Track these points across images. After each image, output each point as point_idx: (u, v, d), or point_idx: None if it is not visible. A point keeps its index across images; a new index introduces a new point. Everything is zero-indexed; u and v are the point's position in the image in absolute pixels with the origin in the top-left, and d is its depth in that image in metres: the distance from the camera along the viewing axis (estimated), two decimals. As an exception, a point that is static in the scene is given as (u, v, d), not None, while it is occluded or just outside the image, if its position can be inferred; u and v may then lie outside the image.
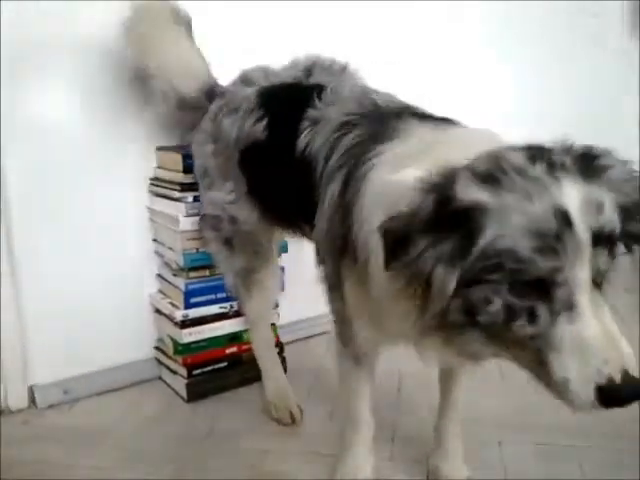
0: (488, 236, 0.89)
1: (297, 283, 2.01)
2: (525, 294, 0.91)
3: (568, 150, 0.97)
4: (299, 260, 2.00)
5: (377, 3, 2.39)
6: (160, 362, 2.07)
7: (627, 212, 0.96)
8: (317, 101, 1.52)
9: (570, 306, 0.90)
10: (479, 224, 0.90)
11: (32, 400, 1.92)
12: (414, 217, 0.92)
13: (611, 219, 0.92)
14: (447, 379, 1.54)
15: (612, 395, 0.89)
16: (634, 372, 0.89)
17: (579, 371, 0.89)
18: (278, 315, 2.07)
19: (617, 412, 1.77)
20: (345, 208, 1.24)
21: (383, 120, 1.34)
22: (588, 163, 0.95)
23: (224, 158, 1.73)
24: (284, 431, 1.78)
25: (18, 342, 1.88)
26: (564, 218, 0.88)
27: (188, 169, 1.88)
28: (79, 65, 1.88)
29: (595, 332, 0.89)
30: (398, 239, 0.94)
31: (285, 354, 2.09)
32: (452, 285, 0.92)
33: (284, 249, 2.04)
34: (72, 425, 1.84)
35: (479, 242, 0.89)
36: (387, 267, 0.97)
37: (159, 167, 2.01)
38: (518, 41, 2.84)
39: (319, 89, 1.55)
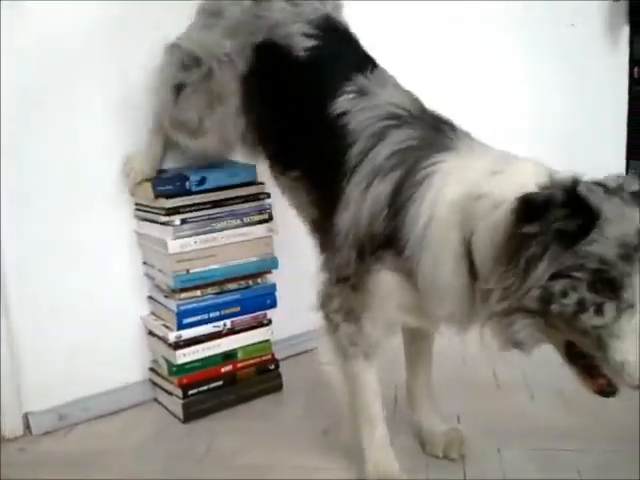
0: (589, 239, 1.10)
1: (290, 298, 2.02)
2: (598, 292, 1.11)
3: (623, 185, 1.18)
4: (291, 275, 2.02)
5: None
6: (155, 384, 2.06)
7: None
8: (369, 72, 1.54)
9: (632, 305, 1.12)
10: (591, 225, 1.10)
11: (27, 427, 1.90)
12: (550, 197, 1.10)
13: None
14: (416, 343, 1.68)
15: None
16: None
17: (635, 356, 1.11)
18: (272, 331, 2.07)
19: (613, 415, 1.80)
20: (396, 209, 1.33)
21: (436, 127, 1.42)
22: (628, 189, 1.18)
23: (248, 24, 1.68)
24: (281, 448, 1.77)
25: (11, 369, 1.86)
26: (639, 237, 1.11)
27: (160, 195, 1.89)
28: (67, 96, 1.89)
29: None
30: (539, 205, 1.10)
31: (280, 370, 2.09)
32: (550, 271, 1.11)
33: (275, 265, 2.04)
34: (69, 450, 1.82)
35: (582, 240, 1.10)
36: (519, 227, 1.12)
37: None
38: (494, 51, 2.87)
39: (373, 63, 1.59)
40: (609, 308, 1.12)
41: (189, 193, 1.91)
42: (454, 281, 1.28)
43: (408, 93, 1.53)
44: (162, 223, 1.90)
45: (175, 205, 1.88)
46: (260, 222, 2.00)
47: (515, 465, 1.65)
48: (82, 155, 1.92)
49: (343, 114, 1.47)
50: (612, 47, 3.48)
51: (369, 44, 2.24)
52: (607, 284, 1.11)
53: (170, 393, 1.98)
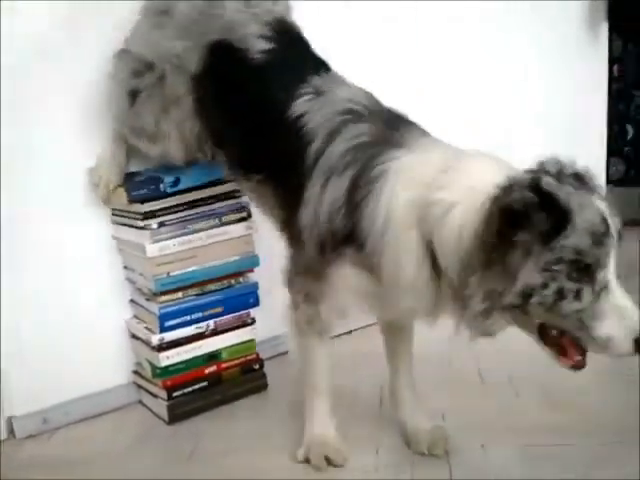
0: (564, 235, 1.16)
1: (273, 296, 2.01)
2: (575, 279, 1.18)
3: (563, 169, 1.26)
4: (273, 272, 2.00)
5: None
6: (139, 386, 2.05)
7: None
8: (324, 72, 1.58)
9: (606, 285, 1.20)
10: (565, 221, 1.16)
11: (11, 431, 1.89)
12: (527, 202, 1.16)
13: (620, 222, 1.24)
14: (394, 339, 1.74)
15: None
16: None
17: (619, 330, 1.20)
18: (256, 330, 2.06)
19: (597, 411, 1.82)
20: (353, 206, 1.38)
21: (390, 122, 1.46)
22: (591, 182, 1.27)
23: (199, 23, 1.67)
24: (267, 448, 1.77)
25: (-6, 374, 1.84)
26: (606, 224, 1.19)
27: (134, 199, 1.87)
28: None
29: (625, 301, 1.21)
30: (520, 215, 1.16)
31: (265, 370, 2.09)
32: (536, 270, 1.17)
33: (256, 263, 2.04)
34: (53, 454, 1.81)
35: (559, 236, 1.16)
36: (510, 236, 1.18)
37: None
38: (473, 50, 2.88)
39: (326, 65, 1.63)
40: (586, 292, 1.20)
41: (164, 195, 1.89)
42: (417, 277, 1.35)
43: (363, 90, 1.57)
44: (139, 227, 1.88)
45: (151, 209, 1.87)
46: (239, 220, 1.99)
47: (500, 462, 1.65)
48: (60, 159, 1.91)
49: (302, 115, 1.51)
50: (591, 44, 3.50)
51: (364, 43, 2.27)
52: (583, 271, 1.18)
53: (155, 395, 1.97)
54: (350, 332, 2.46)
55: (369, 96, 1.55)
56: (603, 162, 3.52)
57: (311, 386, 1.66)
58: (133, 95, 1.76)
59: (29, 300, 1.89)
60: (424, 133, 1.47)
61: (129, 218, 1.92)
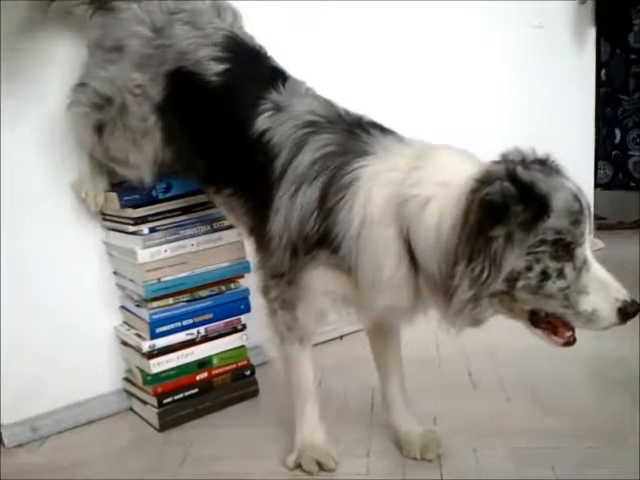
0: (544, 219, 1.21)
1: (263, 304, 2.01)
2: (557, 258, 1.23)
3: (526, 157, 1.33)
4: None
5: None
6: (130, 393, 2.04)
7: None
8: (281, 86, 1.60)
9: (585, 260, 1.25)
10: (545, 207, 1.21)
11: (0, 440, 1.88)
12: (505, 194, 1.21)
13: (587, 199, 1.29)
14: (381, 342, 1.75)
15: (626, 312, 1.24)
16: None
17: (604, 302, 1.24)
18: (246, 337, 2.06)
19: (587, 414, 1.83)
20: (326, 212, 1.41)
21: (352, 131, 1.48)
22: (552, 165, 1.34)
23: (154, 56, 1.67)
24: (258, 454, 1.77)
25: (-19, 382, 1.83)
26: (579, 201, 1.25)
27: (126, 205, 1.87)
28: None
29: (604, 274, 1.27)
30: (499, 208, 1.21)
31: (256, 376, 2.08)
32: (520, 256, 1.22)
33: (247, 269, 2.02)
34: (43, 463, 1.79)
35: (541, 221, 1.21)
36: (487, 231, 1.21)
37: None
38: (462, 52, 2.89)
39: (283, 76, 1.64)
40: (568, 270, 1.25)
41: (156, 201, 1.89)
42: (395, 274, 1.38)
43: (321, 99, 1.60)
44: (130, 233, 1.88)
45: (142, 214, 1.87)
46: (230, 227, 1.98)
47: (491, 465, 1.65)
48: (49, 165, 1.90)
49: (265, 131, 1.55)
50: (579, 49, 3.53)
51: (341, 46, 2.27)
52: (564, 249, 1.23)
53: (145, 402, 1.96)
54: (341, 337, 2.47)
55: (327, 105, 1.57)
56: (591, 166, 3.54)
57: (299, 392, 1.67)
58: (99, 129, 1.77)
59: (16, 306, 1.87)
60: (388, 133, 1.49)
61: (120, 223, 1.92)
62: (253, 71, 1.66)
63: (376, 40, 2.57)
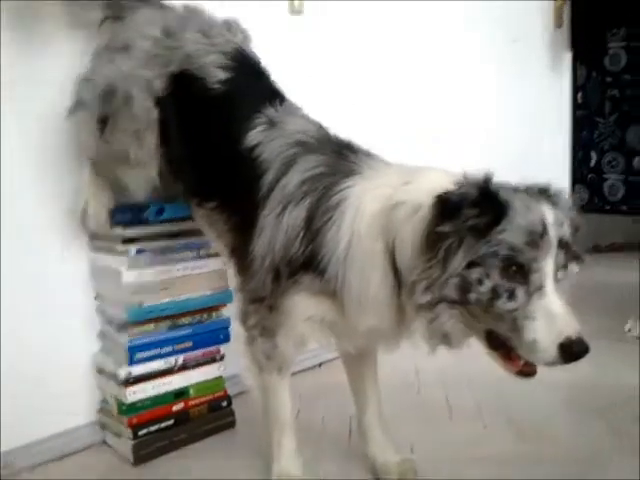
0: (500, 227, 1.20)
1: (241, 332, 2.00)
2: (509, 278, 1.21)
3: (533, 186, 1.32)
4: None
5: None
6: (104, 425, 2.00)
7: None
8: (278, 104, 1.62)
9: (540, 288, 1.22)
10: (501, 217, 1.21)
11: (-29, 476, 1.84)
12: (465, 196, 1.22)
13: (567, 232, 1.27)
14: (358, 372, 1.75)
15: (569, 350, 1.19)
16: (582, 335, 1.20)
17: (545, 333, 1.20)
18: (224, 367, 2.05)
19: (564, 440, 1.83)
20: (313, 234, 1.41)
21: (341, 153, 1.50)
22: (547, 193, 1.31)
23: (161, 56, 1.69)
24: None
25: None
26: (545, 226, 1.22)
27: (117, 223, 1.86)
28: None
29: (557, 307, 1.22)
30: (452, 206, 1.21)
31: (233, 407, 2.07)
32: (466, 259, 1.20)
33: (229, 299, 2.02)
34: (14, 499, 1.76)
35: (493, 230, 1.20)
36: (437, 225, 1.22)
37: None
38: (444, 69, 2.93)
39: (282, 97, 1.67)
40: (520, 292, 1.22)
41: (147, 223, 1.89)
42: (381, 291, 1.37)
43: (313, 122, 1.62)
44: (117, 252, 1.87)
45: (132, 234, 1.86)
46: (216, 255, 1.98)
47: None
48: (31, 186, 1.88)
49: (256, 146, 1.55)
50: (555, 72, 3.58)
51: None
52: (517, 269, 1.21)
53: (119, 434, 1.93)
54: (320, 365, 2.47)
55: (318, 127, 1.60)
56: (567, 189, 3.58)
57: (276, 423, 1.65)
58: (102, 122, 1.75)
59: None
60: (374, 158, 1.51)
61: (108, 242, 1.91)
62: (254, 86, 1.68)
63: (356, 60, 2.60)
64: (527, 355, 1.25)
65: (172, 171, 1.77)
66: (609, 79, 3.99)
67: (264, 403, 1.66)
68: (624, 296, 3.04)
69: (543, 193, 1.31)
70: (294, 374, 1.70)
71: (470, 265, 1.22)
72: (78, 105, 1.78)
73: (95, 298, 2.01)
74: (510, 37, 3.23)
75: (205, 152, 1.67)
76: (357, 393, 1.77)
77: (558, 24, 3.50)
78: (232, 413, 2.06)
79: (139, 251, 1.87)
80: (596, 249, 3.80)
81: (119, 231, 1.86)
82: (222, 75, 1.65)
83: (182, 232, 1.95)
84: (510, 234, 1.21)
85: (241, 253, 1.59)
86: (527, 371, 1.30)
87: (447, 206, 1.22)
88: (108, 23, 1.79)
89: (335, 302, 1.43)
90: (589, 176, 4.06)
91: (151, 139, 1.73)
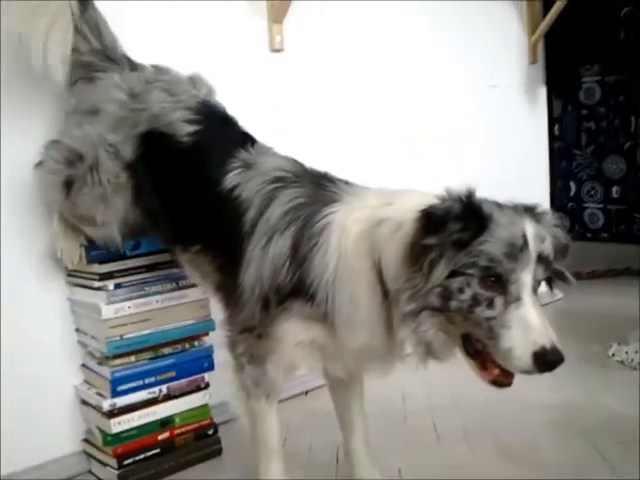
0: (481, 239, 1.24)
1: (228, 360, 1.99)
2: (488, 287, 1.25)
3: (520, 205, 1.35)
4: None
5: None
6: (89, 455, 1.99)
7: (555, 253, 1.33)
8: (250, 146, 1.66)
9: (518, 298, 1.25)
10: (482, 229, 1.25)
11: (-45, 509, 1.82)
12: (448, 210, 1.26)
13: (548, 248, 1.30)
14: (345, 402, 1.76)
15: (543, 359, 1.22)
16: (558, 345, 1.23)
17: (521, 342, 1.23)
18: (209, 395, 2.05)
19: (548, 462, 1.84)
20: (299, 261, 1.43)
21: (319, 183, 1.54)
22: (533, 212, 1.34)
23: (128, 119, 1.73)
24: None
25: None
26: (525, 240, 1.26)
27: (93, 260, 1.88)
28: None
29: (534, 317, 1.25)
30: (437, 220, 1.25)
31: (219, 434, 2.06)
32: (448, 270, 1.24)
33: (211, 327, 2.03)
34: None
35: (474, 242, 1.24)
36: (422, 238, 1.25)
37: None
38: (420, 112, 2.98)
39: (252, 139, 1.71)
40: (498, 302, 1.25)
41: (123, 257, 1.90)
42: (370, 309, 1.39)
43: (288, 158, 1.66)
44: (95, 288, 1.87)
45: (108, 270, 1.87)
46: (195, 285, 1.98)
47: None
48: (10, 218, 1.90)
49: (234, 187, 1.59)
50: (531, 106, 3.66)
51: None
52: (495, 280, 1.25)
53: (105, 464, 1.92)
54: (306, 393, 2.46)
55: (293, 162, 1.64)
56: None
57: (263, 449, 1.64)
58: (68, 185, 1.78)
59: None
60: (353, 186, 1.54)
61: (85, 279, 1.92)
62: (223, 133, 1.72)
63: (336, 102, 2.65)
64: (503, 362, 1.27)
65: (150, 224, 1.81)
66: (584, 112, 4.09)
67: (252, 429, 1.65)
68: (606, 322, 3.07)
69: (529, 211, 1.34)
70: (280, 402, 1.68)
71: (452, 274, 1.25)
72: (45, 161, 1.81)
73: (76, 330, 2.01)
74: (488, 78, 3.32)
75: (183, 201, 1.70)
76: (343, 419, 1.78)
77: (533, 60, 3.59)
78: (218, 441, 2.06)
79: (117, 286, 1.88)
80: (578, 276, 3.84)
81: (96, 267, 1.87)
82: (190, 128, 1.68)
83: (159, 264, 1.96)
84: (490, 245, 1.24)
85: (228, 288, 1.61)
86: (501, 381, 1.32)
87: (432, 220, 1.26)
88: (79, 84, 1.83)
89: (325, 325, 1.44)
90: (569, 205, 4.14)
91: (120, 202, 1.77)
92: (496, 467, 1.87)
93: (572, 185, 4.14)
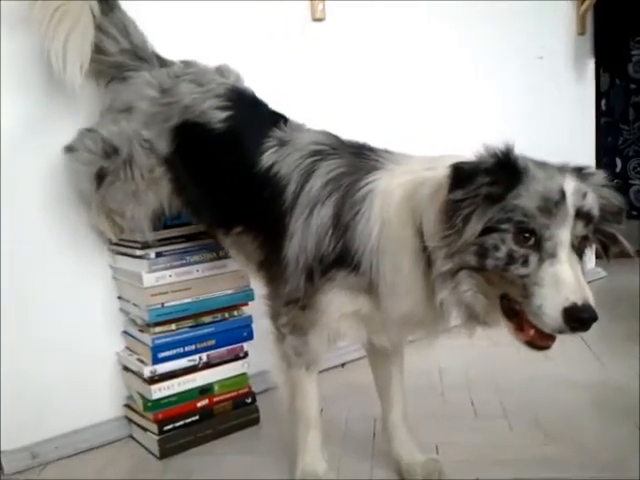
0: (515, 192, 1.21)
1: (267, 330, 2.00)
2: (522, 244, 1.22)
3: (567, 164, 1.31)
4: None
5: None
6: (130, 420, 2.03)
7: (602, 214, 1.28)
8: (283, 125, 1.66)
9: (553, 255, 1.21)
10: (516, 183, 1.22)
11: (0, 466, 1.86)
12: (480, 164, 1.24)
13: (590, 204, 1.24)
14: (385, 375, 1.75)
15: (574, 316, 1.18)
16: (592, 303, 1.18)
17: (552, 298, 1.19)
18: (248, 364, 2.06)
19: (589, 443, 1.81)
20: (342, 229, 1.43)
21: (359, 153, 1.53)
22: (579, 171, 1.30)
23: (160, 114, 1.75)
24: (258, 483, 1.76)
25: (-18, 408, 1.82)
26: (562, 194, 1.21)
27: None
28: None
29: (567, 274, 1.20)
30: (466, 174, 1.23)
31: (257, 403, 2.08)
32: (482, 224, 1.21)
33: (251, 297, 2.04)
34: (42, 490, 1.78)
35: (508, 195, 1.21)
36: (450, 193, 1.23)
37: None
38: (467, 80, 2.93)
39: (284, 118, 1.71)
40: (533, 259, 1.22)
41: (164, 227, 1.91)
42: (413, 276, 1.37)
43: (323, 132, 1.66)
44: (137, 257, 1.89)
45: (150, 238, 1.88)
46: (236, 255, 1.99)
47: (494, 495, 1.64)
48: (53, 191, 1.92)
49: (272, 165, 1.59)
50: (578, 80, 3.57)
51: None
52: (530, 236, 1.22)
53: (145, 429, 1.96)
54: (343, 365, 2.46)
55: (328, 135, 1.63)
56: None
57: (302, 419, 1.66)
58: (99, 178, 1.80)
59: (18, 332, 1.87)
60: (394, 154, 1.53)
61: (127, 247, 1.94)
62: (255, 115, 1.73)
63: (379, 73, 2.61)
64: (535, 320, 1.23)
65: (192, 212, 1.83)
66: (633, 86, 3.95)
67: (291, 399, 1.66)
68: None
69: (576, 170, 1.30)
70: (317, 373, 1.68)
71: (487, 231, 1.23)
72: (79, 148, 1.83)
73: (118, 297, 2.04)
74: (536, 50, 3.24)
75: (223, 186, 1.71)
76: (383, 392, 1.78)
77: (581, 31, 3.49)
78: (256, 410, 2.08)
79: (158, 254, 1.90)
80: (622, 255, 3.77)
81: (138, 236, 1.89)
82: (222, 115, 1.69)
83: (199, 234, 1.97)
84: (524, 199, 1.21)
85: (271, 263, 1.61)
86: (537, 343, 1.28)
87: (460, 174, 1.23)
88: (113, 84, 1.85)
89: (370, 295, 1.44)
90: (614, 182, 4.03)
91: (153, 197, 1.79)
92: (535, 446, 1.85)
93: (618, 161, 4.02)
